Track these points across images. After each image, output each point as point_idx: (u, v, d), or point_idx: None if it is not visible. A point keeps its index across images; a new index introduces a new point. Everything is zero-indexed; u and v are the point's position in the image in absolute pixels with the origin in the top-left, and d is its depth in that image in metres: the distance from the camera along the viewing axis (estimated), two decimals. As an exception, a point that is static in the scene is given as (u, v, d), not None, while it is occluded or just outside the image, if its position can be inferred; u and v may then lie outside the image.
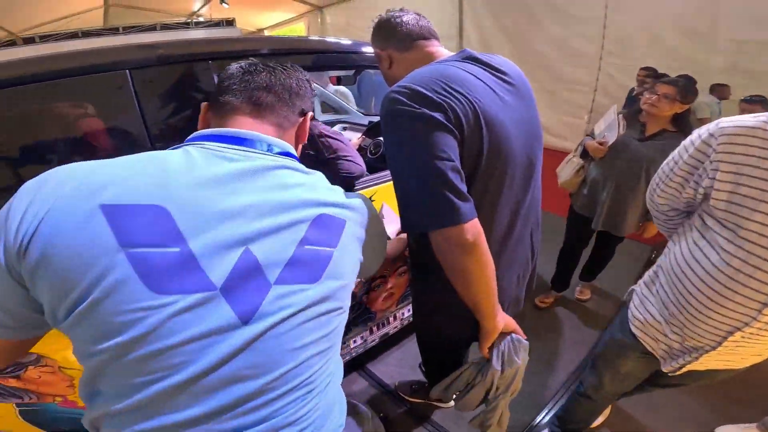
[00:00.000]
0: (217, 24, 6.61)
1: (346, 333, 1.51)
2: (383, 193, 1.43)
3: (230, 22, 6.80)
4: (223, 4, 6.84)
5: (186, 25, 6.49)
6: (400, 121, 0.73)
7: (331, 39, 1.45)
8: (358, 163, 1.33)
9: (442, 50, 0.93)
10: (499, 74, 0.86)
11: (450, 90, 0.74)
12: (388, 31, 0.93)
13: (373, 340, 1.71)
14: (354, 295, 1.47)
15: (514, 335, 0.89)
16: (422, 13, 0.99)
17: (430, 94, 0.72)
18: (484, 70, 0.84)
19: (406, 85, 0.74)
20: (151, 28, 6.16)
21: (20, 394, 0.99)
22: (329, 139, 1.31)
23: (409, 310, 1.77)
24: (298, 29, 7.77)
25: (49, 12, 6.43)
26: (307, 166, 1.38)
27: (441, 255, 0.76)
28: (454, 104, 0.72)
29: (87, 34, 5.64)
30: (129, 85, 0.96)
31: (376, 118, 2.50)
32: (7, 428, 1.02)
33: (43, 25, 6.37)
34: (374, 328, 1.68)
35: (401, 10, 0.95)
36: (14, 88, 0.87)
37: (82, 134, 0.99)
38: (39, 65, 0.92)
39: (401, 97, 0.73)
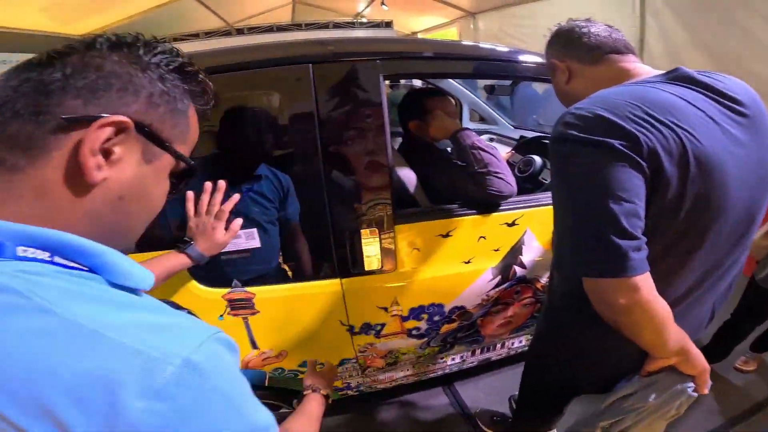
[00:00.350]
0: (377, 25, 7.26)
1: (446, 349, 1.49)
2: (529, 218, 1.32)
3: (388, 24, 7.37)
4: (383, 6, 7.36)
5: (351, 25, 7.34)
6: (573, 148, 0.63)
7: (490, 45, 1.38)
8: (509, 182, 1.23)
9: (641, 67, 0.78)
10: (725, 101, 0.68)
11: (649, 118, 0.61)
12: (570, 40, 0.83)
13: (472, 362, 1.63)
14: (469, 314, 1.40)
15: (685, 384, 0.73)
16: (595, 21, 0.85)
17: (619, 122, 0.60)
18: (705, 95, 0.68)
19: (589, 107, 0.64)
20: (325, 26, 7.10)
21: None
22: (481, 152, 1.23)
23: (520, 341, 1.65)
24: (450, 34, 7.45)
25: (252, 6, 7.52)
26: (453, 175, 1.26)
27: (592, 302, 0.67)
28: (651, 136, 0.60)
29: (280, 28, 6.85)
30: (309, 78, 1.04)
31: (529, 133, 2.36)
32: None
33: (250, 18, 7.43)
34: (477, 351, 1.60)
35: (587, 20, 0.84)
36: (223, 74, 1.02)
37: (269, 119, 1.15)
38: (240, 55, 1.09)
39: (579, 122, 0.63)
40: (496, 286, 1.35)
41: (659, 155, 0.60)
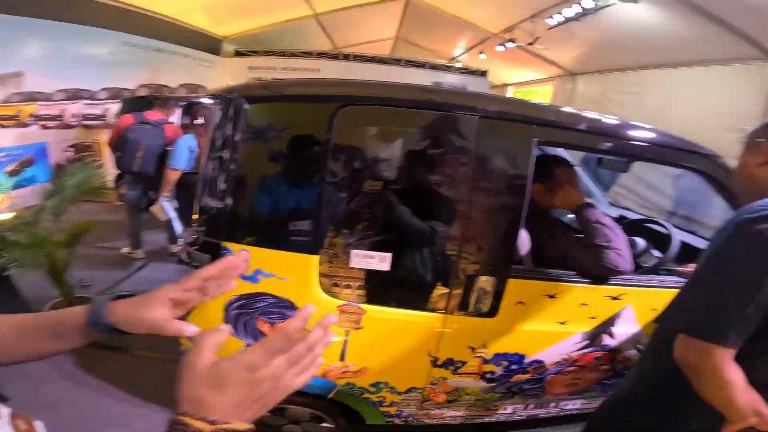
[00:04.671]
0: (472, 72, 7.52)
1: (505, 398, 1.53)
2: (633, 296, 1.41)
3: (483, 73, 7.41)
4: (481, 55, 7.55)
5: (447, 68, 7.56)
6: (759, 250, 0.73)
7: (640, 125, 1.42)
8: (627, 259, 1.30)
9: None
10: None
11: None
12: None
13: (520, 416, 1.67)
14: (543, 369, 1.46)
15: None
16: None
17: None
18: None
19: None
20: (422, 65, 7.33)
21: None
22: (605, 228, 1.32)
23: (575, 404, 1.71)
24: (543, 92, 7.66)
25: (359, 35, 8.28)
26: (570, 244, 1.39)
27: (678, 358, 0.80)
28: None
29: (381, 60, 7.83)
30: (474, 128, 1.18)
31: (632, 215, 2.47)
32: None
33: (354, 46, 8.21)
34: (530, 406, 1.63)
35: None
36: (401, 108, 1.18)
37: (432, 158, 1.27)
38: (421, 94, 1.23)
39: None
40: (580, 349, 1.45)
41: None
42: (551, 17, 5.08)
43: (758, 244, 0.73)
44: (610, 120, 1.43)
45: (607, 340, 1.47)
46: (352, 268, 1.26)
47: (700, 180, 1.44)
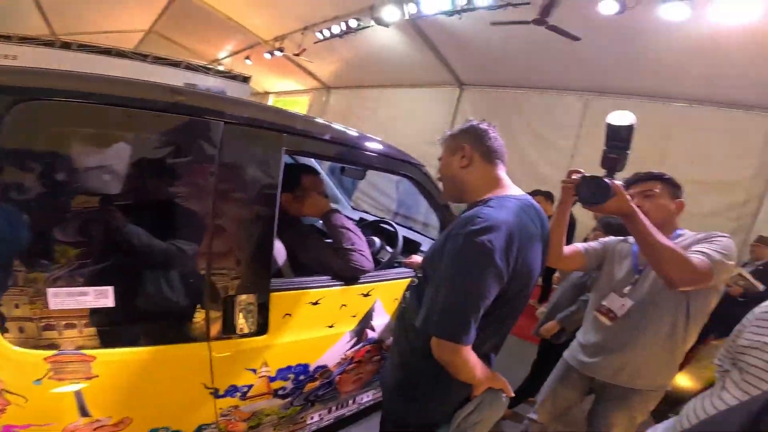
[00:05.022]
0: (234, 77, 7.44)
1: (306, 408, 1.57)
2: (378, 290, 1.60)
3: (246, 79, 7.45)
4: (247, 60, 7.82)
5: (206, 70, 7.11)
6: (479, 250, 0.86)
7: (378, 139, 1.58)
8: (369, 260, 1.48)
9: (508, 179, 1.06)
10: (544, 230, 1.03)
11: (517, 251, 0.90)
12: (481, 135, 1.04)
13: (329, 420, 1.75)
14: (329, 373, 1.55)
15: (501, 394, 1.08)
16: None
17: (507, 258, 0.88)
18: (538, 224, 1.01)
19: (502, 235, 0.87)
20: (175, 64, 6.69)
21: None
22: (350, 232, 1.46)
23: (368, 396, 1.84)
24: (301, 102, 8.39)
25: (95, 23, 7.20)
26: (321, 250, 1.46)
27: (433, 353, 0.95)
28: (516, 263, 0.90)
29: (120, 54, 6.51)
30: (219, 135, 1.12)
31: (369, 217, 2.73)
32: None
33: (85, 34, 6.95)
34: (333, 408, 1.72)
35: (489, 124, 1.08)
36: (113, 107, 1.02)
37: (163, 167, 1.10)
38: (144, 91, 1.08)
39: (493, 241, 0.85)
40: (353, 346, 1.57)
41: (515, 278, 0.92)
42: (320, 32, 5.54)
43: (480, 253, 0.85)
44: (352, 132, 1.55)
45: (371, 334, 1.61)
46: (67, 308, 1.00)
47: (411, 184, 1.74)
